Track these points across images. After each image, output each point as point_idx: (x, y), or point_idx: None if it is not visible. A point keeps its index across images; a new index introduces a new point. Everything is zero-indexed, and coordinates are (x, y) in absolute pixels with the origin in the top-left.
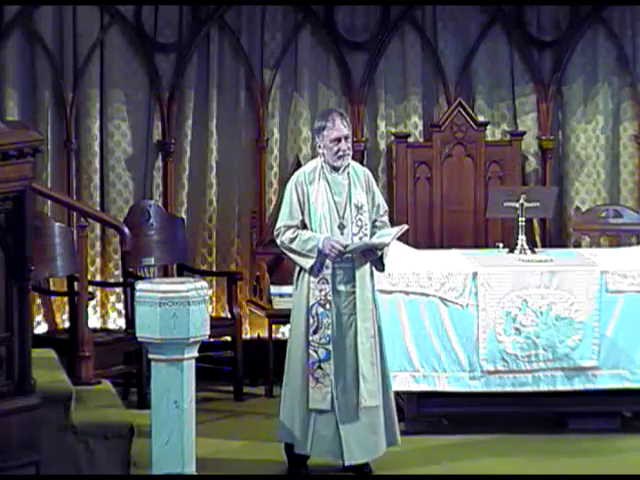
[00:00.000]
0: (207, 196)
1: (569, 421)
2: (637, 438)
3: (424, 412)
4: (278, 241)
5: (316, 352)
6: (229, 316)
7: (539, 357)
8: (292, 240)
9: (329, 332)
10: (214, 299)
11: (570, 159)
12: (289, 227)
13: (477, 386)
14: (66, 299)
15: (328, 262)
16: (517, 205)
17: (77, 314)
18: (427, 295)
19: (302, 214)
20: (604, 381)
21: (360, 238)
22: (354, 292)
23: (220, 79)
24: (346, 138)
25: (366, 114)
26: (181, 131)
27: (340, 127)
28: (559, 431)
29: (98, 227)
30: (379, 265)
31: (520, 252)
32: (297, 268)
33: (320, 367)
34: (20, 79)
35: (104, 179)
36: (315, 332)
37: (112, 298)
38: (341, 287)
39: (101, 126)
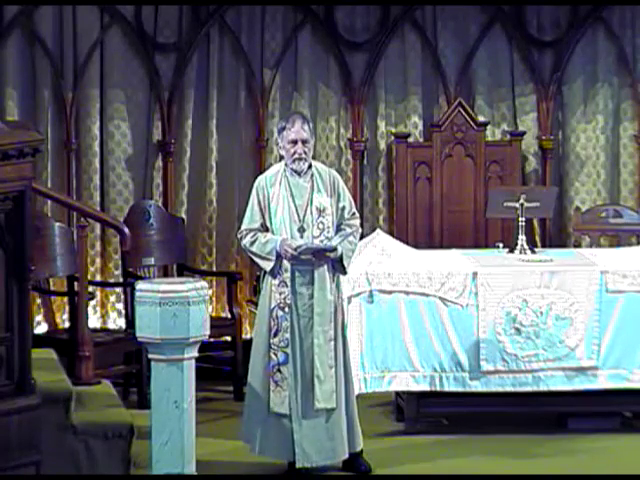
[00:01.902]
0: (207, 196)
1: (569, 421)
2: (637, 438)
3: (424, 412)
4: (242, 244)
5: (276, 355)
6: (229, 316)
7: (539, 357)
8: (252, 243)
9: (287, 335)
10: (214, 299)
11: (570, 159)
12: (250, 230)
13: (477, 386)
14: (66, 299)
15: (287, 265)
16: (517, 205)
17: (77, 314)
18: (427, 295)
19: (263, 217)
20: (604, 381)
21: (322, 241)
22: (314, 294)
23: (220, 79)
24: (304, 142)
25: (366, 114)
26: (181, 131)
27: (299, 130)
28: (559, 431)
29: (98, 227)
30: (340, 268)
31: (520, 252)
32: (262, 270)
33: (279, 370)
34: (20, 79)
35: (104, 179)
36: (275, 335)
37: (112, 298)
38: (301, 289)
39: (101, 126)
